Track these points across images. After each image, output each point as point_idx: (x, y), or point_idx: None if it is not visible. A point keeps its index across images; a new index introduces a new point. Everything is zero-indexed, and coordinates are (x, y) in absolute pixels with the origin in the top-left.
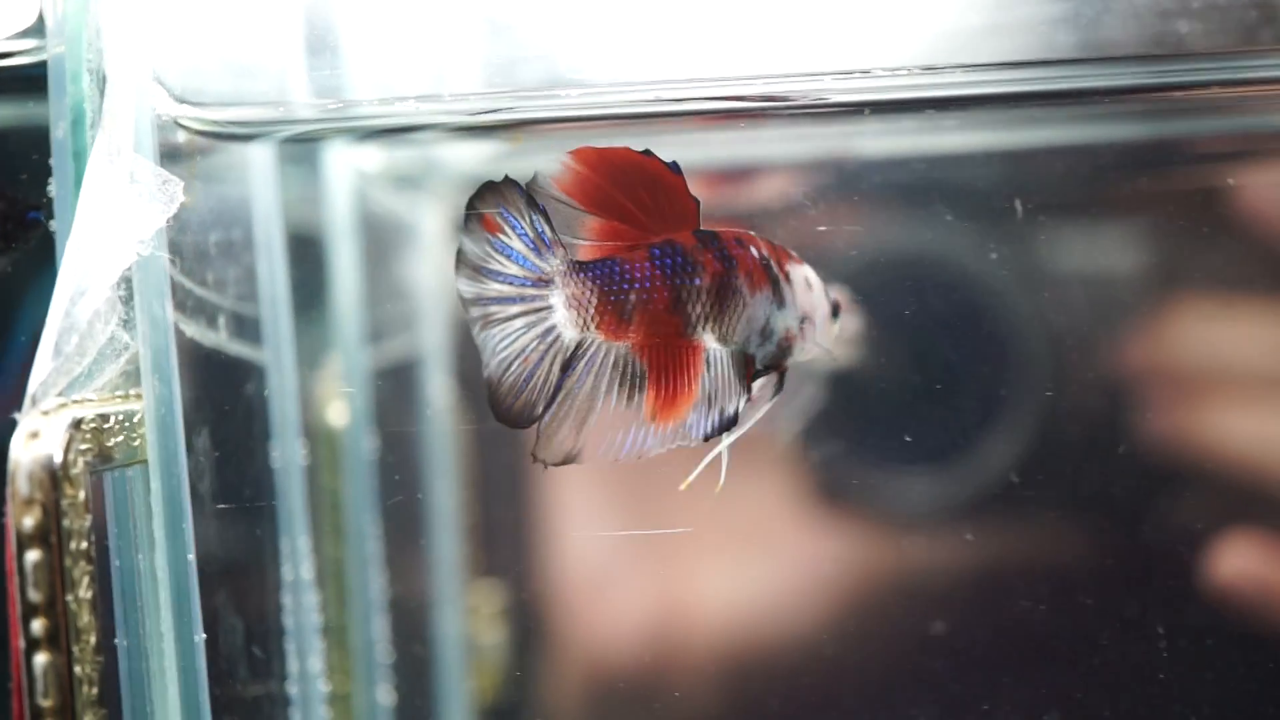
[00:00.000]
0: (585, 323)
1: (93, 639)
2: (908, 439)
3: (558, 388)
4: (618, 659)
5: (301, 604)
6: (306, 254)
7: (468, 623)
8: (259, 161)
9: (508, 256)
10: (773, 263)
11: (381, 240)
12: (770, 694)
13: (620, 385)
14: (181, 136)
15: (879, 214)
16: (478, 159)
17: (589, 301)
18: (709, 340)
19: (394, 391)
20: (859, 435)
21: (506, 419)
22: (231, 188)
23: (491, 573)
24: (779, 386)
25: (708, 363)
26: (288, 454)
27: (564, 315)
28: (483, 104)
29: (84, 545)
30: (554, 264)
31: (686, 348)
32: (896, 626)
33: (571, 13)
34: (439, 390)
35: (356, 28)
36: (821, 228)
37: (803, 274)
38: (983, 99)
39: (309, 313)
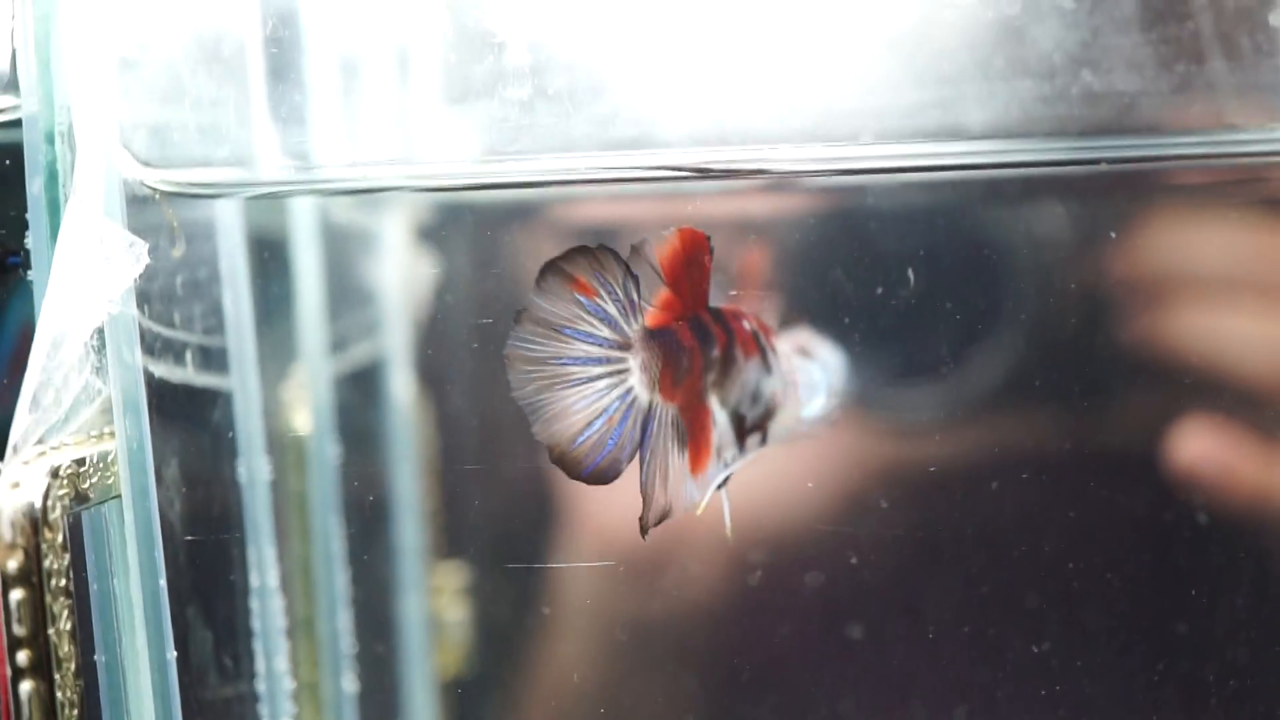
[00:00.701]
0: (652, 385)
1: (73, 666)
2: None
3: (641, 447)
4: (625, 543)
5: (268, 608)
6: (268, 262)
7: (430, 604)
8: (225, 207)
9: (599, 319)
10: (760, 334)
11: (343, 249)
12: (767, 575)
13: (678, 443)
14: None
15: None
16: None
17: (656, 366)
18: (713, 402)
19: (356, 394)
20: (854, 347)
21: (591, 476)
22: (198, 228)
23: (452, 555)
24: (764, 439)
25: (714, 421)
26: (253, 470)
27: (638, 378)
28: (445, 169)
29: (63, 582)
30: (635, 329)
31: (704, 409)
32: (885, 520)
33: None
34: (400, 388)
35: (323, 90)
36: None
37: (787, 346)
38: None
39: (273, 321)
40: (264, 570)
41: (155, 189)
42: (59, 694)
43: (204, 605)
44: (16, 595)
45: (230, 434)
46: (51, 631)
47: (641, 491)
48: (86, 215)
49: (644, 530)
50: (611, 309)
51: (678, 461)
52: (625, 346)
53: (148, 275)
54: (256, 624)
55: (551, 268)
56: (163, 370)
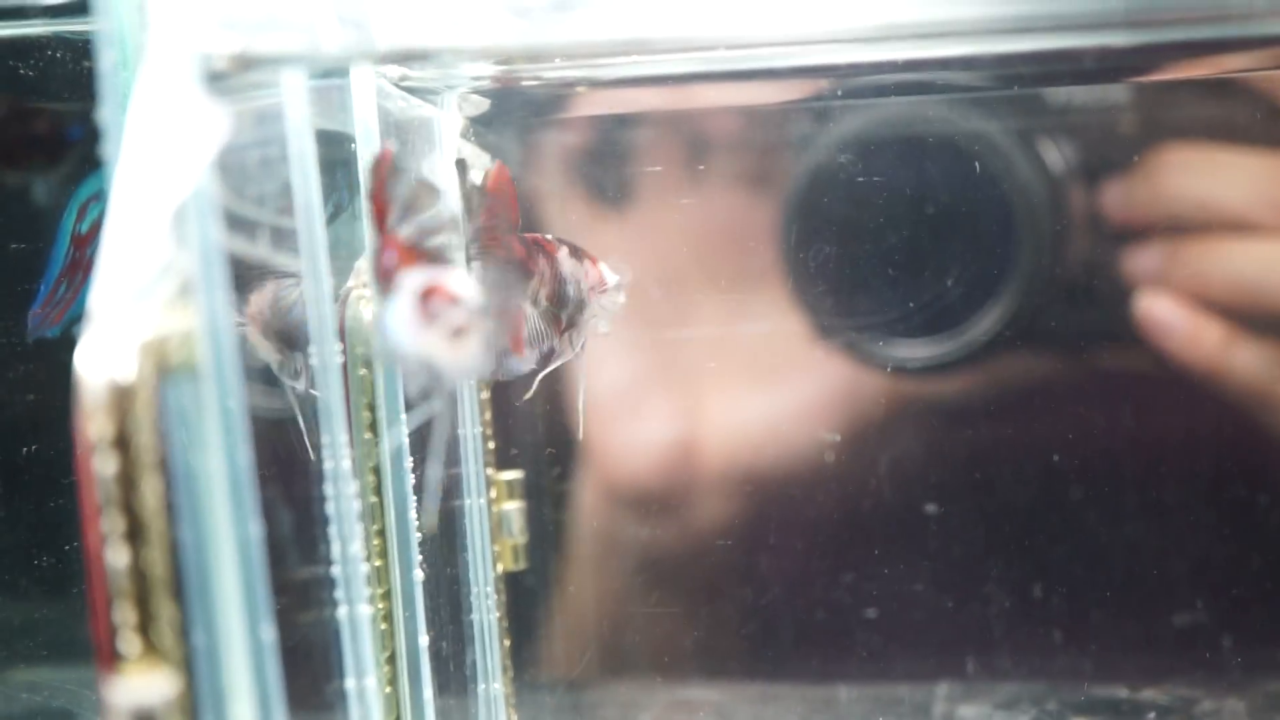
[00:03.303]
0: None
1: (162, 535)
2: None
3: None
4: (640, 475)
5: (341, 493)
6: (333, 160)
7: (488, 494)
8: (290, 79)
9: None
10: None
11: (407, 146)
12: (775, 504)
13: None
14: (223, 64)
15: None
16: (489, 70)
17: None
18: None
19: None
20: (858, 291)
21: None
22: (267, 106)
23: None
24: (577, 334)
25: (526, 317)
26: (325, 355)
27: None
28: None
29: (150, 451)
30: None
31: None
32: (883, 454)
33: None
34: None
35: None
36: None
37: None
38: None
39: (338, 216)
40: (337, 454)
41: (228, 57)
42: (148, 562)
43: (283, 486)
44: (104, 463)
45: (303, 317)
46: (139, 500)
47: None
48: (163, 82)
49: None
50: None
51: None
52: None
53: (226, 148)
54: (331, 508)
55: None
56: (239, 247)
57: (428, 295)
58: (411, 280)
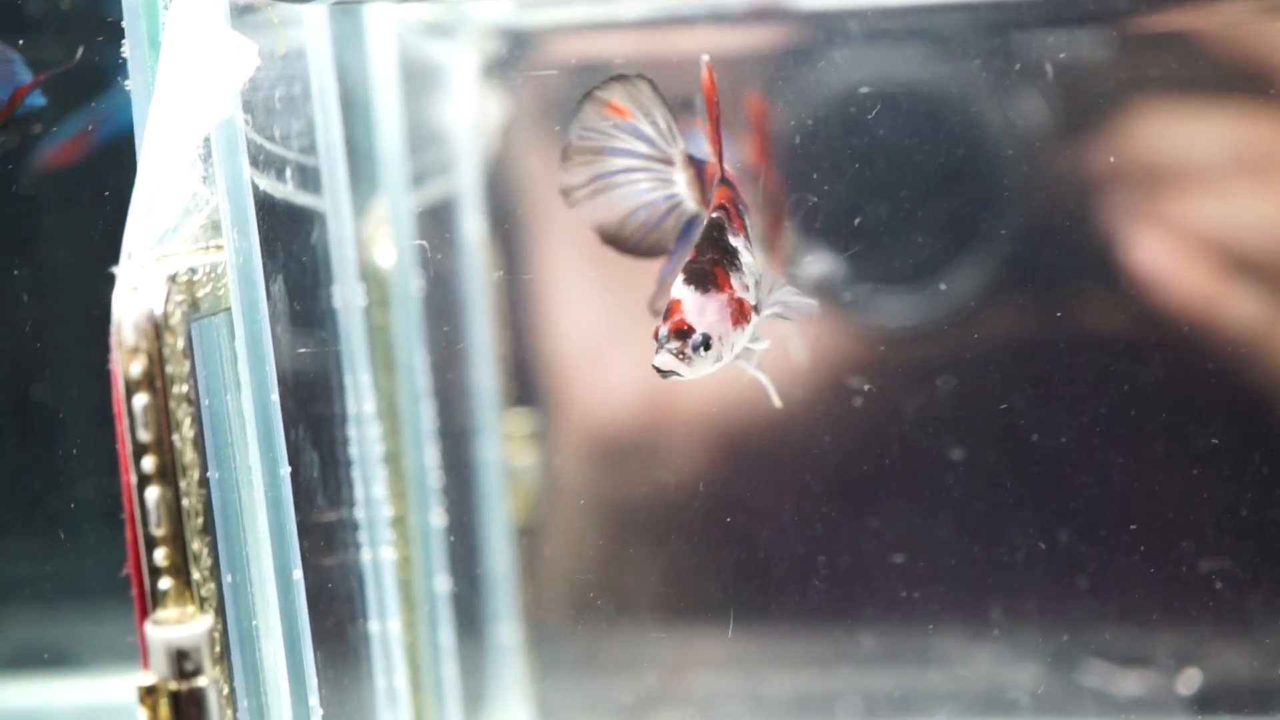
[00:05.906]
0: (696, 200)
1: (196, 474)
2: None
3: (680, 240)
4: (615, 425)
5: (365, 436)
6: (352, 102)
7: (504, 448)
8: (312, 17)
9: (638, 138)
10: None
11: (419, 87)
12: (750, 455)
13: None
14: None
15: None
16: (502, 10)
17: (697, 188)
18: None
19: (435, 230)
20: (836, 244)
21: (635, 250)
22: (291, 43)
23: (521, 401)
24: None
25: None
26: (348, 296)
27: (683, 190)
28: None
29: (185, 389)
30: (676, 151)
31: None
32: (861, 406)
33: None
34: (475, 228)
35: None
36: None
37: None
38: None
39: (355, 159)
40: (360, 397)
41: None
42: (184, 500)
43: (309, 428)
44: (141, 400)
45: (326, 257)
46: (175, 438)
47: (659, 277)
48: (193, 15)
49: (653, 310)
50: (649, 129)
51: None
52: (669, 163)
53: (251, 86)
54: (354, 451)
55: (588, 96)
56: (266, 184)
57: None
58: None
